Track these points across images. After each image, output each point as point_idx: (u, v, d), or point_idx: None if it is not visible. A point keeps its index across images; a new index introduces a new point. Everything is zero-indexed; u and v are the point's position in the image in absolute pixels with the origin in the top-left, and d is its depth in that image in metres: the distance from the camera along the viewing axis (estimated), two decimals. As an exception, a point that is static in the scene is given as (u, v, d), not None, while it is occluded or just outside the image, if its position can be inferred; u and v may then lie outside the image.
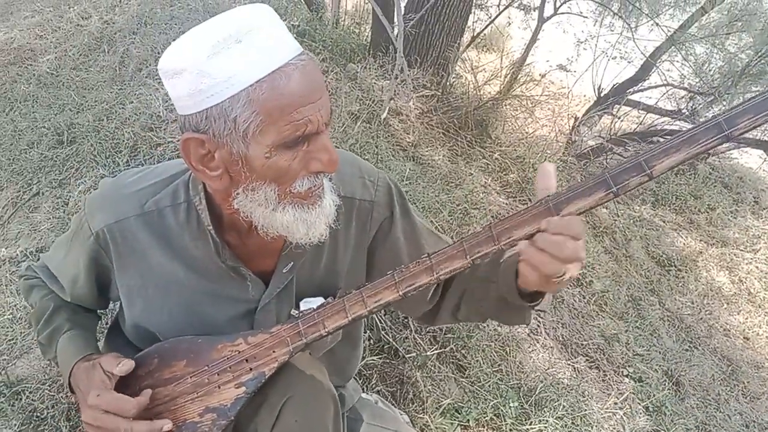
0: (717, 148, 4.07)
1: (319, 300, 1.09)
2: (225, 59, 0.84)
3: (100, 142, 2.89)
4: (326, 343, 1.14)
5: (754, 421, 3.15)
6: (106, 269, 1.13)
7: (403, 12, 3.50)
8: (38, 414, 1.84)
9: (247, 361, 1.04)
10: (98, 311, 1.33)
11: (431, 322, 1.32)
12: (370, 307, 0.98)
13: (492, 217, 3.22)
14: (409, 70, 3.75)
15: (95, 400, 1.01)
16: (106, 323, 1.85)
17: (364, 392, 1.76)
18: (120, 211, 1.07)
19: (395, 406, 1.99)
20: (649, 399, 2.79)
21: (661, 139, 4.70)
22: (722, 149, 4.95)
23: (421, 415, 2.07)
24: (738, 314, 4.06)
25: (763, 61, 4.26)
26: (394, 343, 2.24)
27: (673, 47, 4.54)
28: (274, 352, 1.03)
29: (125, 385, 1.08)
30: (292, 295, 1.15)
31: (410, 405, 2.10)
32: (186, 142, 0.91)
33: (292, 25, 3.98)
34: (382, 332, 2.24)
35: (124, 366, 1.05)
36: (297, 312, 1.07)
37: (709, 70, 4.70)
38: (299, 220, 0.95)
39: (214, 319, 1.13)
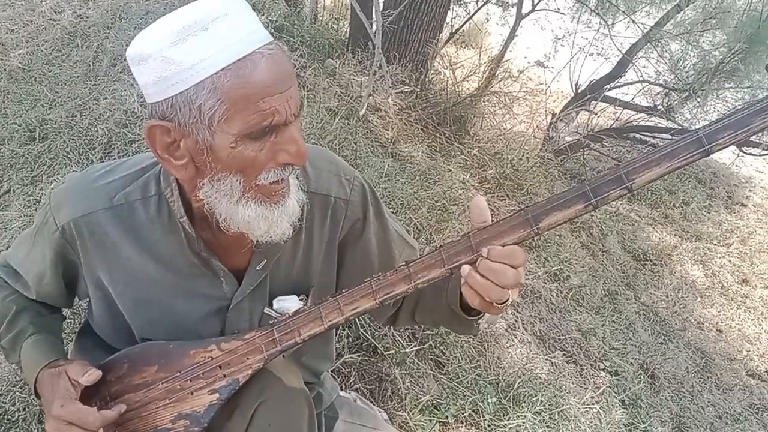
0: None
1: (293, 298, 1.08)
2: (190, 46, 0.83)
3: (73, 139, 2.84)
4: (302, 349, 1.13)
5: (727, 413, 3.21)
6: (73, 265, 1.11)
7: (381, 8, 3.49)
8: (9, 417, 1.80)
9: (220, 367, 1.03)
10: (63, 312, 1.30)
11: (393, 324, 1.33)
12: (346, 314, 0.97)
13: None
14: (388, 66, 3.75)
15: (59, 410, 0.98)
16: (79, 323, 1.82)
17: (342, 390, 1.76)
18: (87, 204, 1.04)
19: (374, 404, 1.99)
20: (625, 392, 2.83)
21: (637, 135, 4.76)
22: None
23: (399, 413, 2.08)
24: (711, 307, 4.14)
25: (736, 58, 4.32)
26: (372, 340, 2.24)
27: (648, 44, 4.59)
28: (248, 359, 1.02)
29: (94, 391, 1.06)
30: (266, 293, 1.13)
31: (389, 402, 2.11)
32: (151, 129, 0.89)
33: (270, 20, 3.94)
34: (361, 330, 2.24)
35: (90, 376, 1.02)
36: (270, 310, 1.06)
37: (684, 67, 4.76)
38: (260, 217, 0.93)
39: (185, 317, 1.11)
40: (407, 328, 2.39)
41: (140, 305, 1.10)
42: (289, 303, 1.06)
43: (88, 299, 1.16)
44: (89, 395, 1.04)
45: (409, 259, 0.94)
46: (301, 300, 1.10)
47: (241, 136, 0.87)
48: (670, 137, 4.46)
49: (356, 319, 2.26)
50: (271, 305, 1.10)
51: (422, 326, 2.37)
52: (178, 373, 1.04)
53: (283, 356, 1.14)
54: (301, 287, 1.16)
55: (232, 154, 0.88)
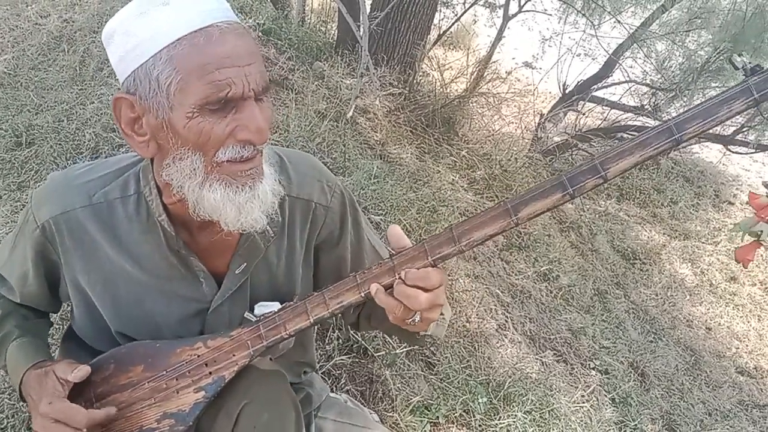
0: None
1: (275, 305, 1.07)
2: (151, 19, 0.86)
3: (60, 144, 2.83)
4: (278, 350, 1.13)
5: (716, 409, 3.23)
6: (54, 265, 1.10)
7: (368, 10, 3.50)
8: (-2, 424, 1.79)
9: (206, 365, 1.03)
10: (50, 318, 1.29)
11: (357, 328, 1.34)
12: (332, 308, 0.97)
13: (460, 214, 3.24)
14: (376, 69, 3.75)
15: (46, 408, 0.98)
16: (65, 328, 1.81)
17: (333, 392, 1.75)
18: (67, 202, 1.04)
19: (365, 405, 1.98)
20: (615, 390, 2.84)
21: (625, 135, 4.79)
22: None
23: (390, 414, 2.07)
24: (700, 305, 4.17)
25: (721, 58, 4.36)
26: (363, 341, 2.24)
27: (635, 44, 4.62)
28: (234, 355, 1.02)
29: (80, 392, 1.05)
30: (246, 297, 1.13)
31: (380, 404, 2.10)
32: (116, 101, 0.91)
33: (258, 23, 3.94)
34: (351, 331, 2.24)
35: (79, 372, 1.02)
36: (251, 315, 1.06)
37: (670, 67, 4.80)
38: (227, 201, 0.91)
39: (164, 319, 1.10)
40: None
41: (118, 306, 1.09)
42: (270, 309, 1.06)
43: (70, 302, 1.15)
44: (74, 397, 1.03)
45: (394, 252, 0.95)
46: None
47: (198, 107, 0.86)
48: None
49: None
50: (252, 310, 1.09)
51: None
52: (164, 372, 1.04)
53: (270, 358, 1.14)
54: (284, 294, 1.16)
55: (188, 125, 0.87)
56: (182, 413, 1.03)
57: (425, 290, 0.91)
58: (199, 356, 1.03)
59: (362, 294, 0.96)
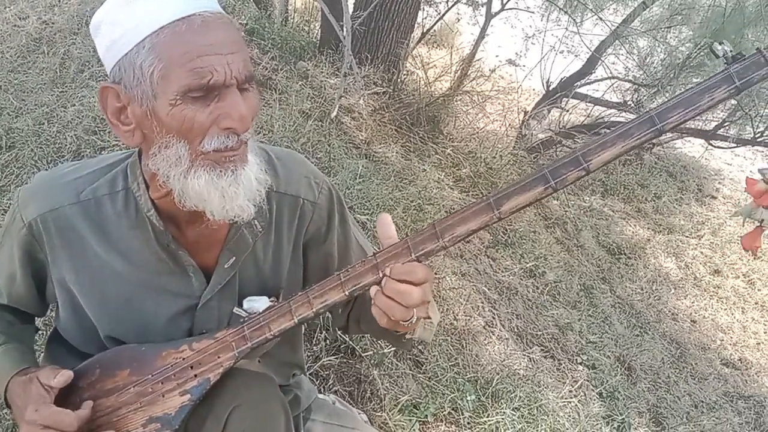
0: (660, 138, 4.20)
1: (263, 299, 1.07)
2: (135, 8, 0.87)
3: (41, 147, 2.79)
4: (264, 348, 1.12)
5: (702, 401, 3.27)
6: (41, 265, 1.09)
7: (351, 9, 3.49)
8: (-19, 432, 1.77)
9: (191, 368, 1.02)
10: (35, 324, 1.27)
11: (346, 331, 1.34)
12: (316, 308, 0.96)
13: (446, 212, 3.25)
14: (360, 68, 3.74)
15: (33, 415, 0.97)
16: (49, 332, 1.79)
17: (321, 393, 1.75)
18: (55, 200, 1.03)
19: (353, 406, 1.98)
20: (602, 385, 2.86)
21: (609, 131, 4.82)
22: (665, 139, 5.10)
23: (379, 414, 2.07)
24: (685, 298, 4.21)
25: (702, 53, 4.40)
26: (350, 342, 2.24)
27: (617, 41, 4.66)
28: (219, 357, 1.01)
29: (66, 398, 1.04)
30: (235, 292, 1.12)
31: (368, 404, 2.10)
32: (103, 90, 0.92)
33: (240, 23, 3.92)
34: (338, 332, 2.23)
35: (61, 377, 1.01)
36: (240, 310, 1.05)
37: (652, 63, 4.84)
38: (211, 186, 0.91)
39: (154, 316, 1.09)
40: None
41: (107, 304, 1.08)
42: (259, 304, 1.05)
43: (56, 303, 1.14)
44: (61, 402, 1.02)
45: (377, 250, 0.95)
46: (271, 301, 1.09)
47: (181, 95, 0.87)
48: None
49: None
50: (240, 305, 1.09)
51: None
52: (150, 376, 1.03)
53: (259, 361, 1.13)
54: (270, 288, 1.16)
55: (171, 113, 0.88)
56: (168, 417, 1.02)
57: (413, 284, 0.91)
58: (184, 359, 1.02)
59: (346, 293, 0.95)
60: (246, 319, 1.01)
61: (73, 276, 1.07)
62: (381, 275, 0.93)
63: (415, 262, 0.92)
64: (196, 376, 1.02)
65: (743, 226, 0.96)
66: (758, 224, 0.94)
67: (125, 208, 1.04)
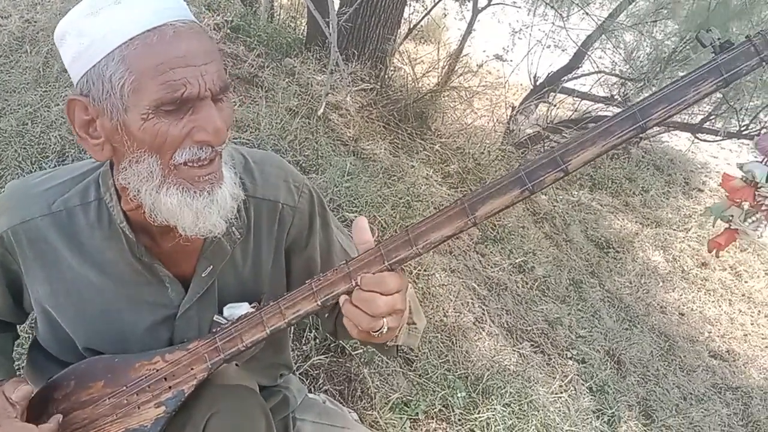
0: (647, 132, 4.21)
1: (244, 305, 1.05)
2: (103, 19, 0.84)
3: (24, 148, 2.76)
4: (245, 355, 1.11)
5: (691, 393, 3.29)
6: (16, 275, 1.06)
7: (337, 5, 3.47)
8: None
9: (165, 379, 1.00)
10: (16, 331, 1.25)
11: (335, 336, 1.32)
12: (288, 318, 0.94)
13: (435, 208, 3.24)
14: (347, 64, 3.73)
15: None
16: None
17: (311, 393, 1.74)
18: (26, 212, 1.01)
19: (344, 405, 1.97)
20: (592, 379, 2.87)
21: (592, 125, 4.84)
22: (652, 132, 5.13)
23: (369, 412, 2.07)
24: (673, 291, 4.23)
25: (688, 47, 4.42)
26: (340, 341, 2.23)
27: (603, 35, 4.66)
28: (192, 369, 0.99)
29: (43, 410, 1.02)
30: (215, 300, 1.10)
31: (359, 402, 2.10)
32: (70, 103, 0.89)
33: (226, 20, 3.88)
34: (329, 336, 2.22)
35: (19, 392, 0.98)
36: (220, 318, 1.03)
37: (638, 57, 4.85)
38: (184, 206, 0.89)
39: (132, 327, 1.07)
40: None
41: (82, 316, 1.06)
42: (240, 310, 1.03)
43: (34, 312, 1.12)
44: (37, 415, 1.00)
45: (349, 258, 0.93)
46: (252, 307, 1.07)
47: (153, 108, 0.84)
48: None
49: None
50: (221, 312, 1.07)
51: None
52: (124, 387, 1.01)
53: (237, 365, 1.12)
54: (251, 294, 1.13)
55: (143, 127, 0.85)
56: (144, 429, 1.00)
57: (382, 295, 0.88)
58: (157, 370, 1.01)
59: (319, 302, 0.92)
60: (218, 330, 0.99)
61: (48, 288, 1.05)
62: (354, 284, 0.91)
63: (386, 272, 0.89)
64: (170, 387, 1.00)
65: (713, 226, 0.91)
66: (727, 224, 0.90)
67: (98, 219, 1.01)
